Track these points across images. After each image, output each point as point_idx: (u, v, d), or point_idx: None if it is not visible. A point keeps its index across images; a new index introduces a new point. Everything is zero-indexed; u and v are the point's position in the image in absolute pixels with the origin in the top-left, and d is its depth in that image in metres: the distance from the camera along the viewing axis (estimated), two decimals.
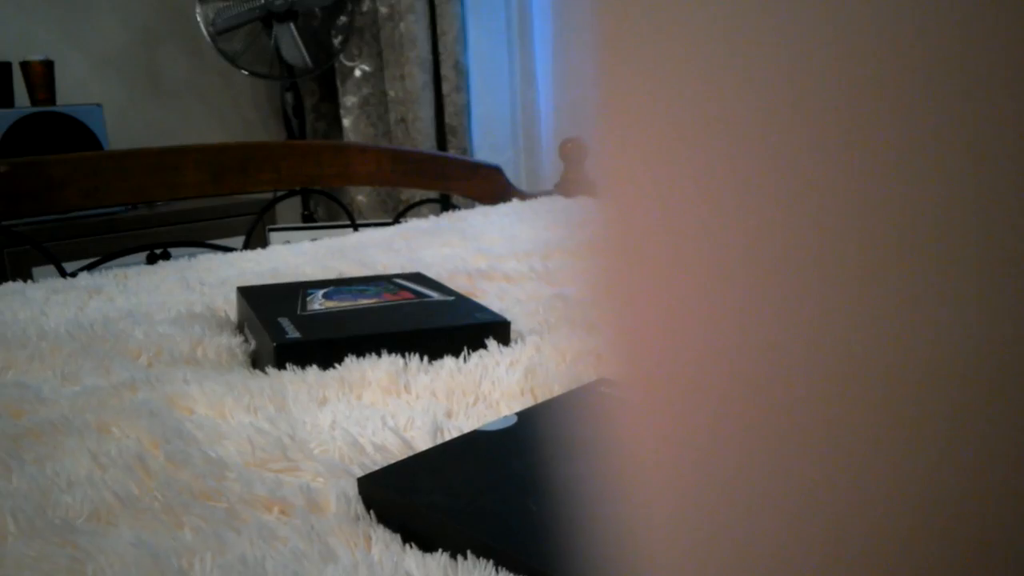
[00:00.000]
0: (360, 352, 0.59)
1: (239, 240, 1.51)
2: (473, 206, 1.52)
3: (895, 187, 0.10)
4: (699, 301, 0.12)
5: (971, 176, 0.09)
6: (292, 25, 2.28)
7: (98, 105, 2.07)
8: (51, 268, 1.25)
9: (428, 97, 2.28)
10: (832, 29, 0.10)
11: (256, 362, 0.64)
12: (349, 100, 2.44)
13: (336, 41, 2.39)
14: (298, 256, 1.06)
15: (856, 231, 0.10)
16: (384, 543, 0.35)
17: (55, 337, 0.68)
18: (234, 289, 0.84)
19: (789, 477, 0.11)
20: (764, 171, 0.11)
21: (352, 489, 0.40)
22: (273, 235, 1.90)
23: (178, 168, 1.30)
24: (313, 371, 0.57)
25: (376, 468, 0.42)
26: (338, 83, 2.46)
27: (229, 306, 0.80)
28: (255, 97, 2.72)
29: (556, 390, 0.53)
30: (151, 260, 1.38)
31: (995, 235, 0.09)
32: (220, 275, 0.96)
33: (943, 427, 0.10)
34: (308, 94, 2.58)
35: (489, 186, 1.66)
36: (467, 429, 0.47)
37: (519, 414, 0.46)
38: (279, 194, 1.54)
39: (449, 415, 0.50)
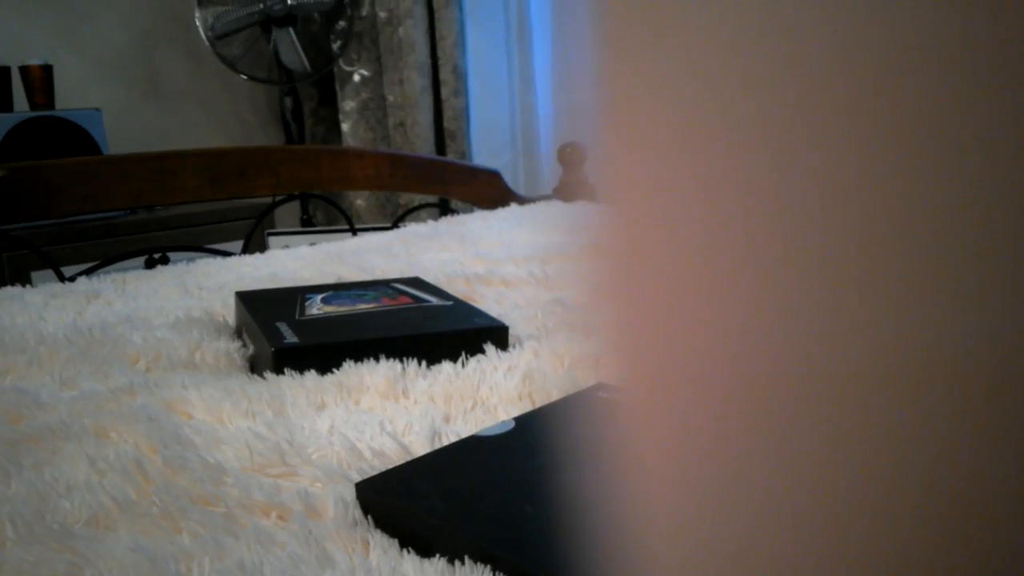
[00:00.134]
0: (358, 357, 0.59)
1: (238, 244, 1.51)
2: (472, 210, 1.52)
3: (898, 188, 0.10)
4: (698, 305, 0.12)
5: (973, 176, 0.09)
6: (291, 30, 2.28)
7: (97, 109, 2.08)
8: (50, 272, 1.25)
9: (427, 101, 2.29)
10: (833, 30, 0.10)
11: (254, 367, 0.64)
12: (348, 104, 2.45)
13: (335, 46, 2.40)
14: (296, 261, 1.06)
15: (857, 235, 0.10)
16: (382, 548, 0.35)
17: (53, 342, 0.68)
18: (232, 294, 0.84)
19: (789, 481, 0.11)
20: (764, 175, 0.11)
21: (350, 494, 0.40)
22: (272, 239, 1.90)
23: (177, 173, 1.30)
24: (311, 376, 0.57)
25: (374, 473, 0.42)
26: (337, 87, 2.47)
27: (227, 311, 0.80)
28: (254, 102, 2.73)
29: (554, 395, 0.53)
30: (150, 265, 1.38)
31: (997, 235, 0.09)
32: (218, 280, 0.96)
33: (945, 428, 0.10)
34: (307, 98, 2.58)
35: (488, 190, 1.66)
36: (465, 434, 0.47)
37: (517, 419, 0.46)
38: (278, 199, 1.55)
39: (447, 420, 0.50)
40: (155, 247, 1.43)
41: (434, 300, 0.72)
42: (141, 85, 2.48)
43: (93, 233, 1.98)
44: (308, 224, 2.44)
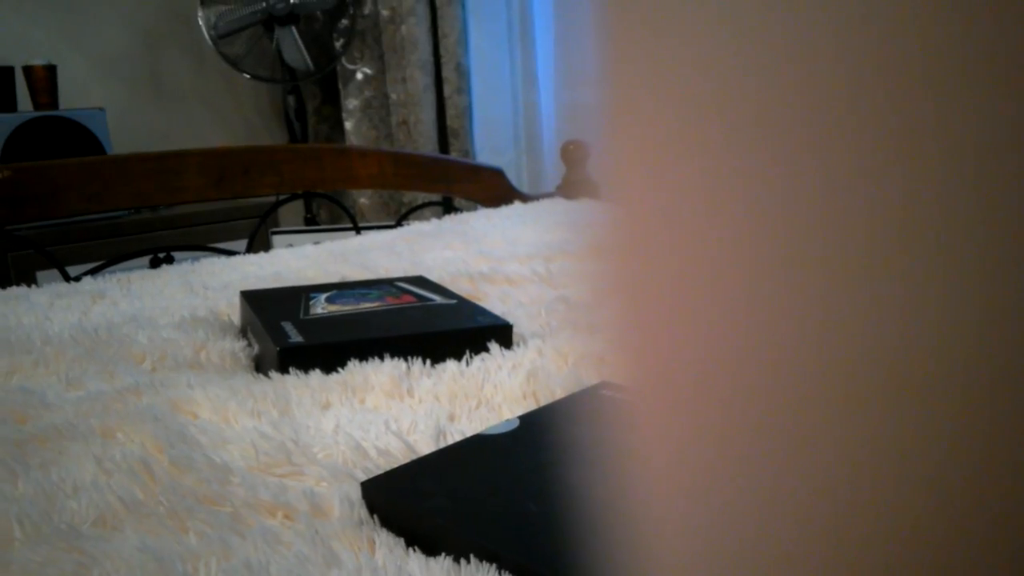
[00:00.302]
0: (363, 356, 0.59)
1: (242, 243, 1.51)
2: (475, 208, 1.52)
3: (903, 187, 0.10)
4: (702, 303, 0.12)
5: (978, 177, 0.09)
6: (294, 28, 2.28)
7: (101, 109, 2.08)
8: (55, 272, 1.25)
9: (430, 99, 2.29)
10: (838, 28, 0.10)
11: (259, 366, 0.64)
12: (351, 103, 2.45)
13: (338, 44, 2.40)
14: (301, 260, 1.06)
15: (862, 234, 0.10)
16: (388, 547, 0.36)
17: (59, 342, 0.68)
18: (237, 293, 0.84)
19: (794, 480, 0.11)
20: (769, 173, 0.11)
21: (356, 493, 0.40)
22: (276, 238, 1.90)
23: (180, 172, 1.30)
24: (316, 375, 0.57)
25: (379, 472, 0.42)
26: (340, 86, 2.47)
27: (232, 310, 0.80)
28: (257, 100, 2.73)
29: (558, 393, 0.53)
30: (154, 264, 1.39)
31: (1001, 236, 0.09)
32: (223, 279, 0.96)
33: (949, 427, 0.10)
34: (310, 97, 2.58)
35: (491, 188, 1.66)
36: (470, 433, 0.47)
37: (521, 418, 0.46)
38: (281, 198, 1.55)
39: (452, 419, 0.51)
40: (160, 247, 1.43)
41: (438, 299, 0.72)
42: (144, 85, 2.49)
43: (98, 233, 1.98)
44: (312, 223, 2.44)
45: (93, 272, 1.15)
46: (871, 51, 0.10)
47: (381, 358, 0.59)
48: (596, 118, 0.13)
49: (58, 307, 0.83)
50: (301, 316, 0.66)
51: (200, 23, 2.23)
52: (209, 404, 0.52)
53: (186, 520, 0.38)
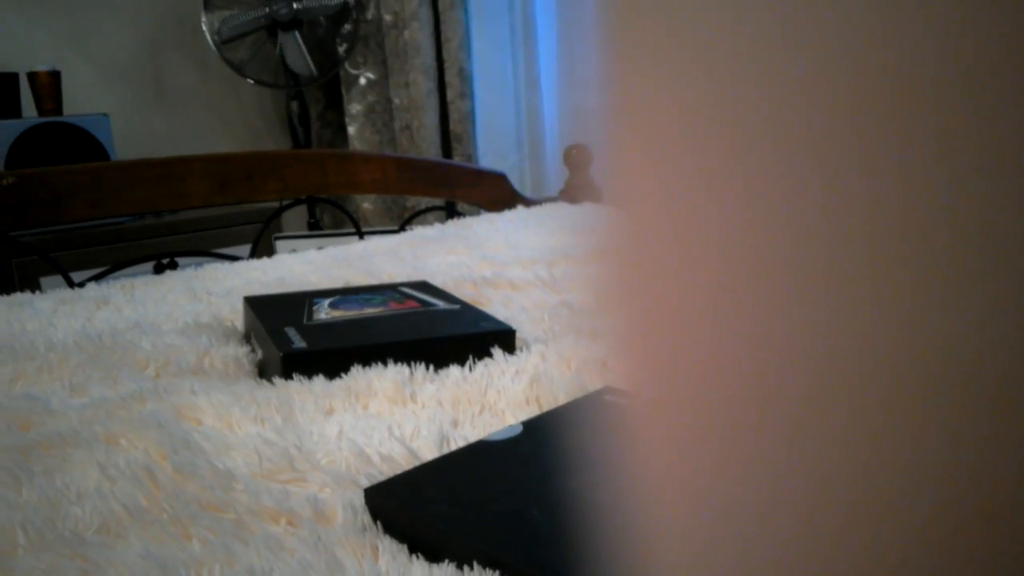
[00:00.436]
0: (366, 361, 0.59)
1: (246, 249, 1.52)
2: (478, 213, 1.52)
3: (908, 193, 0.10)
4: (705, 308, 0.12)
5: (982, 178, 0.09)
6: (297, 33, 2.29)
7: (105, 115, 2.09)
8: (59, 278, 1.25)
9: (433, 104, 2.29)
10: (841, 31, 0.10)
11: (263, 372, 0.64)
12: (354, 108, 2.45)
13: (341, 49, 2.40)
14: (304, 265, 1.06)
15: (866, 239, 0.10)
16: (391, 554, 0.36)
17: (63, 348, 0.68)
18: (241, 299, 0.85)
19: (798, 486, 0.11)
20: (773, 177, 0.11)
21: (359, 499, 0.40)
22: (279, 243, 1.91)
23: (184, 178, 1.30)
24: (319, 381, 0.57)
25: (383, 478, 0.42)
26: (343, 91, 2.47)
27: (236, 316, 0.80)
28: (261, 106, 2.73)
29: (561, 399, 0.53)
30: (158, 270, 1.39)
31: (1005, 237, 0.09)
32: (227, 285, 0.96)
33: (952, 430, 0.10)
34: (313, 102, 2.59)
35: (494, 193, 1.66)
36: (473, 438, 0.47)
37: (524, 423, 0.46)
38: (285, 203, 1.55)
39: (455, 424, 0.51)
40: (163, 252, 1.44)
41: (441, 304, 0.72)
42: (148, 90, 2.50)
43: (102, 239, 1.99)
44: (315, 228, 2.44)
45: (97, 278, 1.15)
46: (878, 56, 0.10)
47: (384, 363, 0.59)
48: (599, 122, 0.13)
49: (62, 313, 0.83)
50: (305, 322, 0.66)
51: (204, 29, 2.24)
52: (213, 410, 0.52)
53: (189, 527, 0.38)
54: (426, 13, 2.24)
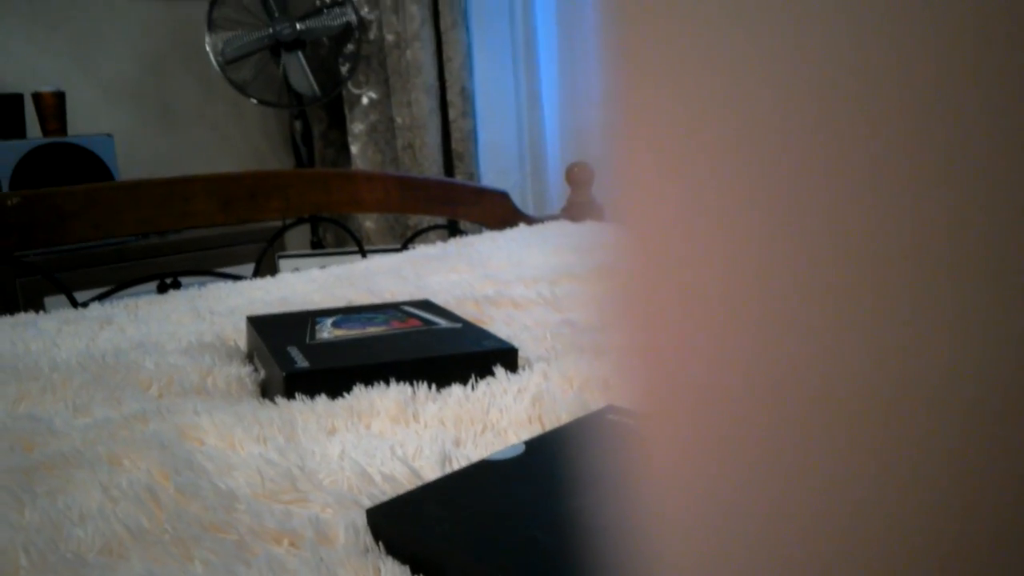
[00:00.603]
0: (368, 381, 0.59)
1: (249, 268, 1.52)
2: (481, 231, 1.53)
3: (917, 204, 0.10)
4: (707, 326, 0.12)
5: (989, 184, 0.09)
6: (300, 54, 2.30)
7: (109, 135, 2.10)
8: (63, 298, 1.26)
9: (435, 123, 2.30)
10: (838, 59, 0.10)
11: (266, 392, 0.64)
12: (357, 127, 2.46)
13: (344, 69, 2.42)
14: (307, 284, 1.07)
15: (869, 260, 0.10)
16: (393, 575, 0.35)
17: (67, 368, 0.68)
18: (244, 318, 0.85)
19: (803, 504, 0.11)
20: (775, 196, 0.11)
21: (361, 520, 0.40)
22: (282, 262, 1.91)
23: (188, 198, 1.31)
24: (322, 400, 0.57)
25: (385, 499, 0.42)
26: (346, 110, 2.49)
27: (239, 335, 0.80)
28: (264, 125, 2.75)
29: (564, 418, 0.53)
30: (162, 289, 1.39)
31: (1012, 243, 0.09)
32: (230, 304, 0.96)
33: (958, 437, 0.10)
34: (316, 122, 2.60)
35: (496, 211, 1.66)
36: (475, 458, 0.47)
37: (527, 443, 0.46)
38: (288, 222, 1.56)
39: (457, 444, 0.51)
40: (167, 272, 1.44)
41: (443, 323, 0.72)
42: (152, 111, 2.51)
43: (105, 258, 1.99)
44: (318, 246, 2.45)
45: (101, 298, 1.15)
46: (880, 69, 0.10)
47: (387, 383, 0.59)
48: (601, 140, 0.13)
49: (66, 333, 0.83)
50: (307, 341, 0.67)
51: (207, 49, 2.26)
52: (215, 430, 0.52)
53: (192, 548, 0.38)
54: (428, 33, 2.25)
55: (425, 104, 2.27)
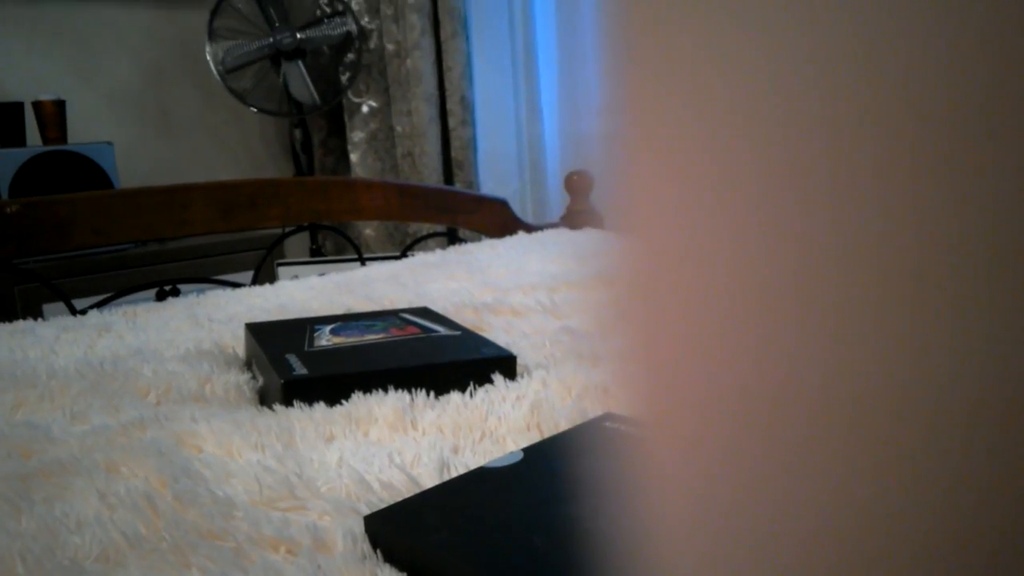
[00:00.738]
0: (367, 388, 0.59)
1: (248, 275, 1.52)
2: (480, 239, 1.53)
3: (915, 206, 0.10)
4: (707, 333, 0.12)
5: (994, 186, 0.09)
6: (300, 63, 2.31)
7: (109, 143, 2.10)
8: (61, 305, 1.26)
9: (434, 131, 2.31)
10: (840, 65, 0.10)
11: (264, 399, 0.64)
12: (356, 135, 2.47)
13: (344, 78, 2.42)
14: (306, 291, 1.07)
15: (870, 262, 0.10)
16: None
17: (65, 376, 0.68)
18: (242, 325, 0.85)
19: (801, 512, 0.11)
20: (774, 202, 0.11)
21: (359, 527, 0.40)
22: (281, 270, 1.91)
23: (187, 205, 1.31)
24: (320, 408, 0.57)
25: (383, 506, 0.42)
26: (346, 119, 2.49)
27: (237, 343, 0.80)
28: (264, 134, 2.75)
29: (562, 425, 0.53)
30: (160, 297, 1.39)
31: (1014, 240, 0.09)
32: (228, 311, 0.96)
33: (958, 437, 0.10)
34: (316, 130, 2.61)
35: (495, 219, 1.67)
36: (473, 465, 0.47)
37: (525, 450, 0.46)
38: (287, 230, 1.56)
39: (455, 451, 0.50)
40: (165, 279, 1.44)
41: (442, 330, 0.72)
42: (152, 119, 2.51)
43: (104, 265, 1.99)
44: (317, 254, 2.45)
45: (99, 305, 1.15)
46: (885, 74, 0.10)
47: (385, 390, 0.59)
48: (600, 149, 0.13)
49: (64, 341, 0.83)
50: (306, 348, 0.67)
51: (208, 58, 2.26)
52: (213, 438, 0.52)
53: (189, 555, 0.38)
54: (428, 42, 2.26)
55: (425, 113, 2.28)
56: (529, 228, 1.62)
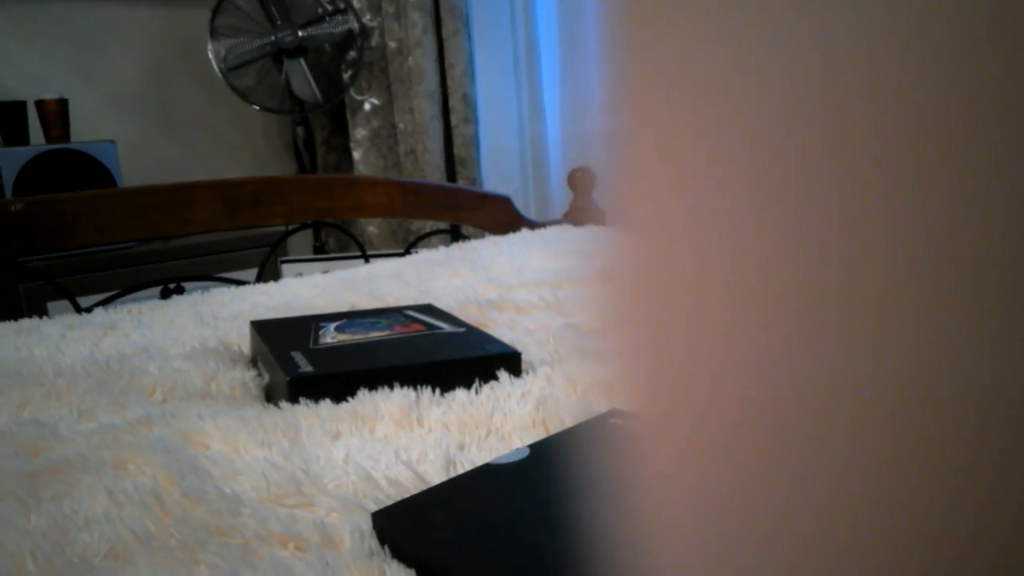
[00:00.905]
0: (372, 385, 0.60)
1: (252, 273, 1.52)
2: (483, 236, 1.53)
3: (919, 206, 0.10)
4: (711, 330, 0.12)
5: (996, 185, 0.09)
6: (303, 61, 2.31)
7: (112, 142, 2.10)
8: (66, 303, 1.26)
9: (437, 129, 2.30)
10: (843, 64, 0.10)
11: (270, 396, 0.64)
12: (359, 133, 2.47)
13: (346, 76, 2.42)
14: (310, 289, 1.07)
15: (873, 260, 0.10)
16: None
17: (71, 374, 0.68)
18: (247, 323, 0.85)
19: (806, 509, 0.11)
20: (777, 200, 0.11)
21: (366, 524, 0.40)
22: (285, 267, 1.91)
23: (191, 203, 1.31)
24: (326, 405, 0.57)
25: (390, 502, 0.42)
26: (348, 116, 2.49)
27: (243, 340, 0.80)
28: (266, 132, 2.75)
29: (567, 421, 0.53)
30: (165, 295, 1.39)
31: (1018, 241, 0.09)
32: (233, 309, 0.96)
33: (961, 437, 0.10)
34: (319, 128, 2.61)
35: (498, 216, 1.67)
36: (479, 462, 0.47)
37: (531, 447, 0.46)
38: (291, 227, 1.56)
39: (461, 448, 0.51)
40: (170, 277, 1.44)
41: (446, 327, 0.72)
42: (155, 117, 2.52)
43: (109, 264, 2.00)
44: (321, 251, 2.45)
45: (104, 303, 1.16)
46: (890, 70, 0.10)
47: (391, 387, 0.59)
48: (602, 145, 0.13)
49: (70, 339, 0.83)
50: (311, 346, 0.67)
51: (210, 56, 2.26)
52: (220, 435, 0.52)
53: (197, 552, 0.38)
54: (430, 40, 2.26)
55: (427, 110, 2.27)
56: (532, 225, 1.62)
